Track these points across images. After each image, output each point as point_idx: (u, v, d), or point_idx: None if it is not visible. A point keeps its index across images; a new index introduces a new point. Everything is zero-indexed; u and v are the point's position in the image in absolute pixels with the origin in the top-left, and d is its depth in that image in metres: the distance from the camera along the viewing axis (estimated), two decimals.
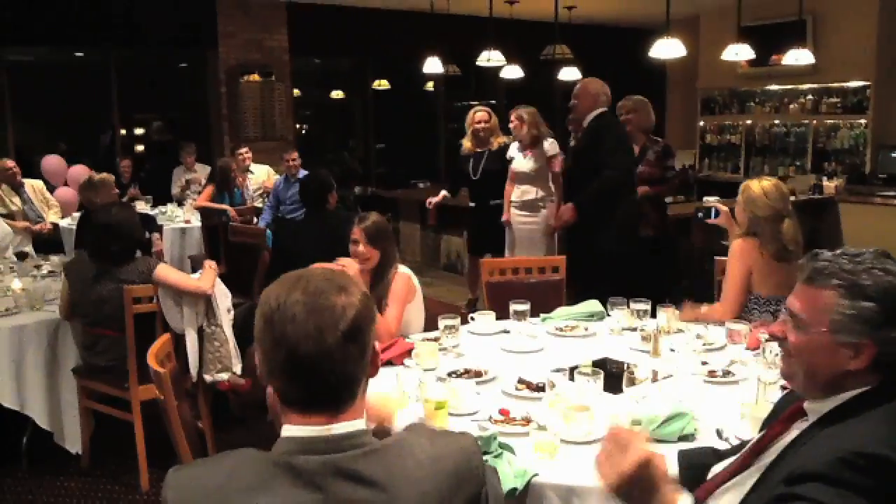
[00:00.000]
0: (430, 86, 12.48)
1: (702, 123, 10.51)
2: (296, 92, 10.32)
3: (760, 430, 1.73)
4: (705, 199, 6.41)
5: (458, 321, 3.13)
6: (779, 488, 1.38)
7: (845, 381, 1.49)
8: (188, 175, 8.39)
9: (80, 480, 3.80)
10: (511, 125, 5.82)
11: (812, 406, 1.54)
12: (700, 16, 10.15)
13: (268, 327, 1.28)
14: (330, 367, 1.27)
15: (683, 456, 1.91)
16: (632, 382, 2.46)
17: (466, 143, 6.27)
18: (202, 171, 8.40)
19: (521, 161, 5.82)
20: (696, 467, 1.85)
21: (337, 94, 13.00)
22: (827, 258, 1.52)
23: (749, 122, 9.96)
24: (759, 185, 3.33)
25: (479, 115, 6.19)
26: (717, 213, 3.76)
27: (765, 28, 8.79)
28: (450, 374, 2.68)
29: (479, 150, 6.18)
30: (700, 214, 3.90)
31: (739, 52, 7.34)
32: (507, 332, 3.26)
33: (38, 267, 4.78)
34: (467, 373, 2.72)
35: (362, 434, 1.31)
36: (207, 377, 3.77)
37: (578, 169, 5.18)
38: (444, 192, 6.51)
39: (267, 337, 1.28)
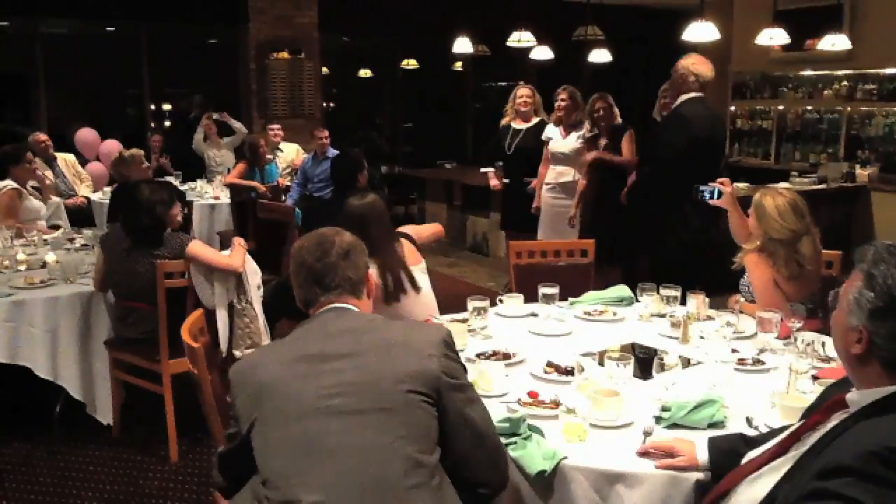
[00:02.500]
0: (458, 66, 12.44)
1: (733, 108, 10.37)
2: (324, 70, 10.33)
3: (802, 418, 1.74)
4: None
5: (487, 303, 3.13)
6: (812, 482, 1.38)
7: (860, 367, 1.52)
8: (211, 150, 8.45)
9: (110, 450, 3.87)
10: (562, 104, 5.76)
11: (853, 398, 1.54)
12: None
13: (294, 259, 2.01)
14: (333, 274, 1.96)
15: (713, 442, 1.91)
16: (661, 368, 2.46)
17: (506, 119, 6.27)
18: (228, 146, 8.45)
19: (560, 142, 5.78)
20: (726, 453, 1.86)
21: (365, 72, 12.99)
22: (875, 245, 1.54)
23: (781, 107, 9.81)
24: (773, 204, 3.12)
25: (522, 90, 6.20)
26: (720, 195, 3.55)
27: (800, 12, 8.65)
28: (478, 356, 2.70)
29: (517, 125, 6.17)
30: (702, 195, 3.61)
31: (774, 37, 7.26)
32: (535, 315, 3.26)
33: (71, 240, 4.85)
34: (496, 354, 2.73)
35: (350, 309, 1.95)
36: (237, 353, 3.81)
37: (644, 157, 4.70)
38: (492, 170, 6.48)
39: (293, 264, 2.01)
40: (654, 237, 4.46)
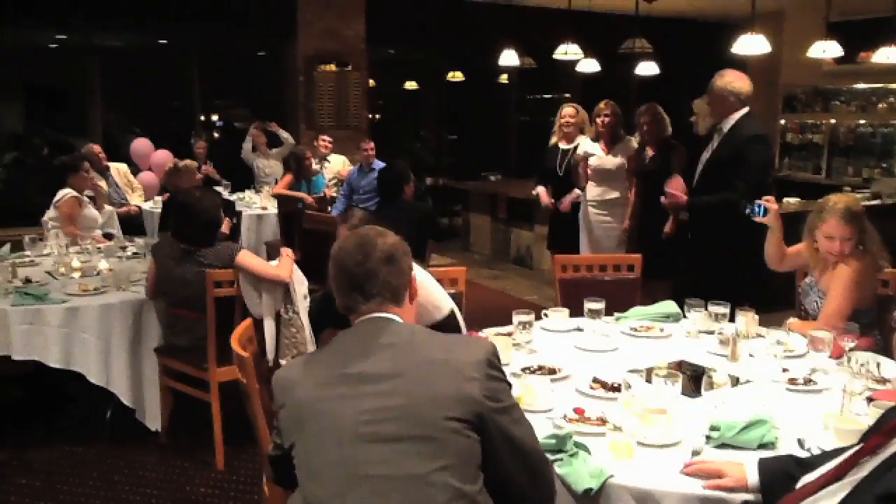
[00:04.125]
0: (503, 78, 12.45)
1: (783, 122, 10.22)
2: (371, 82, 10.41)
3: (860, 441, 1.69)
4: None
5: (532, 317, 3.12)
6: None
7: None
8: (259, 160, 8.57)
9: (158, 456, 3.94)
10: (604, 119, 5.63)
11: None
12: (785, 10, 9.87)
13: (334, 262, 1.91)
14: (374, 279, 1.86)
15: (764, 464, 1.87)
16: (710, 386, 2.43)
17: (553, 139, 6.20)
18: (277, 157, 8.55)
19: (604, 158, 5.67)
20: (777, 475, 1.82)
21: (411, 84, 13.07)
22: None
23: (833, 121, 9.64)
24: (848, 195, 3.31)
25: (566, 109, 6.06)
26: (766, 212, 3.49)
27: (853, 24, 8.48)
28: (524, 370, 2.69)
29: (564, 146, 6.11)
30: (749, 210, 3.54)
31: (827, 49, 7.12)
32: (580, 329, 3.24)
33: (123, 248, 4.95)
34: (541, 369, 2.71)
35: (392, 320, 1.86)
36: (283, 362, 3.85)
37: (710, 180, 4.42)
38: (542, 189, 6.39)
39: (333, 268, 1.90)
40: (708, 254, 4.36)
